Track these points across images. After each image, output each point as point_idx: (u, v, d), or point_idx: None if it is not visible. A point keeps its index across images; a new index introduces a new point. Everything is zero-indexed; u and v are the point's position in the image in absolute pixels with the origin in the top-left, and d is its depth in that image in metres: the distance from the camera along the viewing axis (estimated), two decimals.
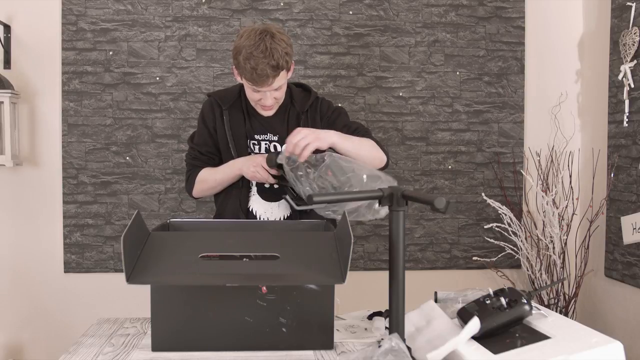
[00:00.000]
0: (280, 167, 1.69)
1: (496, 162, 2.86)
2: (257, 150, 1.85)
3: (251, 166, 1.74)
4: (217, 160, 1.88)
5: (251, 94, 1.76)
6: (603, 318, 2.71)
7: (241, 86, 1.87)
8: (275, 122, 1.84)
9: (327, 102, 1.92)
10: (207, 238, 1.35)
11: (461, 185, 2.85)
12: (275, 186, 1.83)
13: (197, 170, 1.90)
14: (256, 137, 1.85)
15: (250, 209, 1.85)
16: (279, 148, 1.84)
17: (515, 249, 2.76)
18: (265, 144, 1.85)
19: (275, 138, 1.84)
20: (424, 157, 2.83)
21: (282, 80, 1.72)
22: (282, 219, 1.85)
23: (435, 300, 1.35)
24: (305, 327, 1.23)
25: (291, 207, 1.85)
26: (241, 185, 1.84)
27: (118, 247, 2.69)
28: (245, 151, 1.83)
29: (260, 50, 1.63)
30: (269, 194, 1.85)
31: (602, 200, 2.65)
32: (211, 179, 1.87)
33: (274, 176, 1.73)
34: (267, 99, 1.74)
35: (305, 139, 1.61)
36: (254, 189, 1.86)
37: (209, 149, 1.88)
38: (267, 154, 1.73)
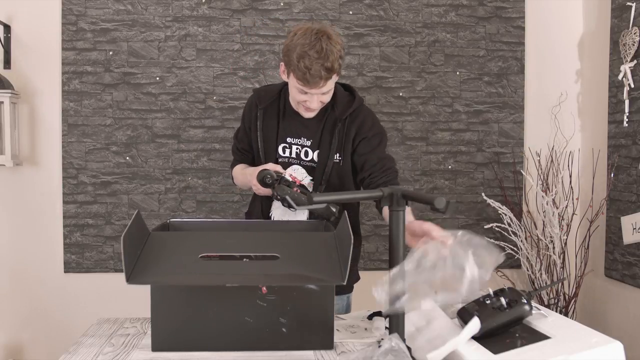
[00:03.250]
0: (268, 186, 1.63)
1: (496, 162, 2.86)
2: (287, 154, 1.78)
3: (252, 184, 1.69)
4: (251, 157, 1.86)
5: (297, 95, 1.67)
6: (603, 318, 2.71)
7: (283, 85, 1.80)
8: (311, 125, 1.75)
9: (371, 119, 1.80)
10: (207, 238, 1.35)
11: (461, 185, 2.85)
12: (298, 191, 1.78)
13: (235, 164, 1.91)
14: (288, 140, 1.77)
15: (271, 216, 1.80)
16: (310, 154, 1.76)
17: (515, 249, 2.76)
18: (297, 148, 1.76)
19: (309, 143, 1.75)
20: (424, 157, 2.83)
21: (332, 84, 1.65)
22: None
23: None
24: (305, 327, 1.23)
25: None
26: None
27: (118, 247, 2.69)
28: (273, 155, 1.77)
29: (315, 50, 1.56)
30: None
31: (602, 200, 2.65)
32: (239, 178, 1.88)
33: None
34: (314, 101, 1.65)
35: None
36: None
37: (244, 146, 1.86)
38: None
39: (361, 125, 1.76)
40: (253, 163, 1.85)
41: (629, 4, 2.46)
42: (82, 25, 2.67)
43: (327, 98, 1.69)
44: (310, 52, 1.56)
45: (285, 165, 1.76)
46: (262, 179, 1.62)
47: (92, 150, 2.69)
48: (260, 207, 1.82)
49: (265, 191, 1.67)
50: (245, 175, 1.80)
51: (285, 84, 1.79)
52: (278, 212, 1.80)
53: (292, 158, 1.78)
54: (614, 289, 2.62)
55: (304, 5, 2.75)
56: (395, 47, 2.80)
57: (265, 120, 1.78)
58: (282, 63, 1.68)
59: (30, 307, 2.70)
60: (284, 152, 1.77)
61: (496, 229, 2.75)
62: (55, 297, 2.70)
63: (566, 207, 2.70)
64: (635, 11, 2.43)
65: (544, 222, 2.72)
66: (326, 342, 1.24)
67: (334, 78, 1.64)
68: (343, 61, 1.65)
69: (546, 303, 2.69)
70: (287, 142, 1.77)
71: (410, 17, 2.80)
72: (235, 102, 2.72)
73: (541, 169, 2.81)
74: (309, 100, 1.66)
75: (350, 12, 2.77)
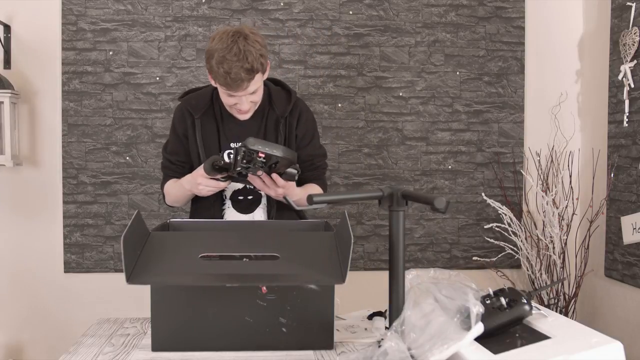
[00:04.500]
0: (222, 169, 1.59)
1: (496, 162, 2.86)
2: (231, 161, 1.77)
3: (196, 185, 1.65)
4: (188, 168, 1.80)
5: (226, 99, 1.67)
6: (603, 318, 2.71)
7: (214, 89, 1.79)
8: (252, 127, 1.75)
9: (307, 114, 1.82)
10: (207, 238, 1.35)
11: (461, 185, 2.85)
12: (250, 197, 1.77)
13: (166, 180, 1.85)
14: (232, 145, 1.75)
15: (224, 217, 1.78)
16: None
17: (515, 249, 2.76)
18: (243, 151, 1.78)
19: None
20: (424, 157, 2.83)
21: (257, 83, 1.63)
22: None
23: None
24: (305, 327, 1.23)
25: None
26: (214, 198, 1.76)
27: (118, 247, 2.69)
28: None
29: (233, 53, 1.55)
30: (243, 206, 1.78)
31: (602, 200, 2.65)
32: (172, 193, 1.83)
33: (227, 177, 1.63)
34: (243, 103, 1.65)
35: (284, 194, 1.62)
36: (228, 201, 1.79)
37: (180, 158, 1.81)
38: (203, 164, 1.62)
39: (303, 126, 1.79)
40: (184, 175, 1.79)
41: (629, 4, 2.46)
42: (82, 25, 2.67)
43: (257, 97, 1.68)
44: (228, 56, 1.55)
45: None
46: (212, 164, 1.56)
47: (92, 150, 2.69)
48: (211, 215, 1.77)
49: (216, 184, 1.62)
50: (182, 184, 1.74)
51: (214, 89, 1.78)
52: (231, 218, 1.77)
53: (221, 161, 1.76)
54: (614, 289, 2.62)
55: (304, 5, 2.75)
56: (395, 47, 2.80)
57: (204, 129, 1.76)
58: (207, 68, 1.67)
59: (30, 307, 2.70)
60: (229, 158, 1.74)
61: (496, 229, 2.75)
62: (55, 297, 2.70)
63: (566, 207, 2.70)
64: (635, 11, 2.43)
65: (544, 222, 2.72)
66: (326, 342, 1.24)
67: (259, 77, 1.62)
68: (265, 59, 1.63)
69: (546, 303, 2.69)
70: (231, 148, 1.75)
71: (410, 17, 2.80)
72: None
73: (541, 169, 2.81)
74: (239, 102, 1.65)
75: (350, 12, 2.77)
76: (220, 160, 1.60)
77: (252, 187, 1.72)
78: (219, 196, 1.77)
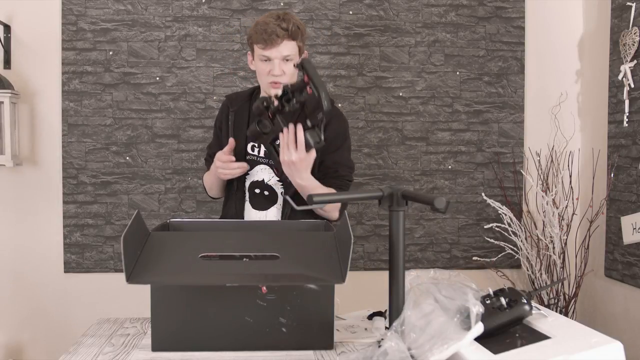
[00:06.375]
0: (260, 132, 1.65)
1: (496, 162, 2.86)
2: (255, 152, 1.83)
3: (218, 168, 1.73)
4: None
5: (261, 66, 1.74)
6: (603, 318, 2.71)
7: (254, 89, 1.89)
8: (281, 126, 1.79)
9: (339, 121, 1.84)
10: (207, 238, 1.35)
11: (461, 185, 2.85)
12: (266, 193, 1.81)
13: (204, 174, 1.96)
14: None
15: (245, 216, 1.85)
16: None
17: (515, 249, 2.76)
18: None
19: (277, 142, 1.78)
20: (424, 157, 2.83)
21: (292, 49, 1.72)
22: None
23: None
24: (305, 327, 1.23)
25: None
26: (236, 191, 1.84)
27: (118, 247, 2.69)
28: (242, 153, 1.81)
29: (274, 17, 1.72)
30: (259, 202, 1.82)
31: (602, 200, 2.65)
32: (207, 181, 1.93)
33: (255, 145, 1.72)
34: (276, 67, 1.72)
35: (293, 167, 1.62)
36: (247, 194, 1.84)
37: (214, 151, 1.86)
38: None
39: (329, 123, 1.76)
40: None
41: (629, 4, 2.46)
42: (82, 25, 2.67)
43: (289, 68, 1.74)
44: (268, 19, 1.72)
45: (253, 163, 1.82)
46: (261, 105, 1.62)
47: (92, 150, 2.69)
48: (234, 210, 1.84)
49: (240, 165, 1.71)
50: (211, 171, 1.83)
51: (255, 89, 1.87)
52: (249, 216, 1.83)
53: (260, 157, 1.83)
54: (614, 289, 2.62)
55: (304, 5, 2.75)
56: (395, 47, 2.80)
57: (236, 121, 1.85)
58: (248, 53, 1.81)
59: (30, 307, 2.70)
60: (252, 150, 1.83)
61: (496, 229, 2.75)
62: (55, 297, 2.70)
63: (566, 207, 2.70)
64: (635, 11, 2.43)
65: (544, 222, 2.72)
66: (326, 342, 1.24)
67: (294, 45, 1.73)
68: (303, 35, 1.76)
69: (546, 303, 2.69)
70: (255, 142, 1.83)
71: (410, 17, 2.80)
72: None
73: (541, 169, 2.81)
74: (272, 68, 1.72)
75: (350, 12, 2.77)
76: (266, 102, 1.62)
77: (273, 164, 1.76)
78: (241, 190, 1.83)
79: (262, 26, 1.70)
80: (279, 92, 1.66)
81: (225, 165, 1.73)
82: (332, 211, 1.77)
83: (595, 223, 2.69)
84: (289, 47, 1.72)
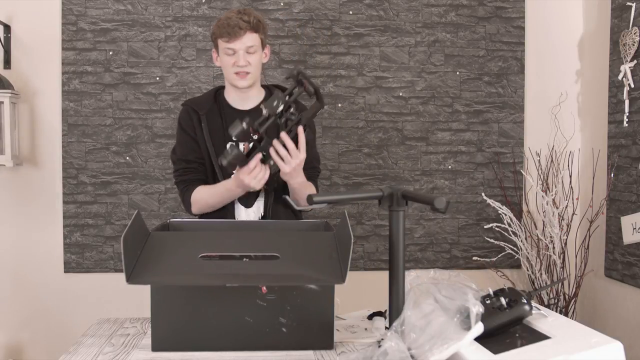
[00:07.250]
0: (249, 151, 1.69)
1: (496, 162, 2.86)
2: None
3: (252, 179, 1.67)
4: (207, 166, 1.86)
5: (226, 60, 1.79)
6: (603, 318, 2.71)
7: (216, 90, 1.92)
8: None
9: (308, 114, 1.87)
10: (207, 238, 1.35)
11: (461, 185, 2.85)
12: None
13: (191, 188, 1.85)
14: (234, 138, 1.80)
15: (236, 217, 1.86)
16: None
17: (515, 249, 2.76)
18: (244, 144, 1.83)
19: (255, 136, 1.77)
20: (424, 157, 2.83)
21: (254, 41, 1.78)
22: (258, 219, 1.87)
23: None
24: (305, 327, 1.23)
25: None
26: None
27: (118, 247, 2.69)
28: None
29: (235, 12, 1.79)
30: (246, 198, 1.84)
31: (602, 200, 2.65)
32: (209, 200, 1.83)
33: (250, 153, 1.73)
34: (241, 58, 1.77)
35: (294, 172, 1.68)
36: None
37: (197, 155, 1.84)
38: (235, 159, 1.66)
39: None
40: (205, 174, 1.85)
41: (629, 4, 2.46)
42: (82, 25, 2.67)
43: (253, 59, 1.80)
44: (230, 14, 1.79)
45: None
46: (232, 157, 1.62)
47: (92, 150, 2.69)
48: (225, 214, 1.85)
49: (263, 173, 1.70)
50: (229, 189, 1.78)
51: (218, 89, 1.92)
52: (240, 209, 1.84)
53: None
54: (614, 289, 2.63)
55: (304, 5, 2.75)
56: (395, 47, 2.80)
57: (210, 125, 1.85)
58: (213, 50, 1.86)
59: (30, 307, 2.70)
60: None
61: (496, 229, 2.75)
62: (55, 297, 2.70)
63: (566, 207, 2.70)
64: (635, 11, 2.43)
65: (544, 222, 2.72)
66: (326, 342, 1.24)
67: (256, 37, 1.79)
68: (264, 28, 1.83)
69: (546, 303, 2.69)
70: (234, 141, 1.82)
71: (410, 17, 2.80)
72: None
73: (541, 169, 2.81)
74: (237, 59, 1.77)
75: (350, 12, 2.77)
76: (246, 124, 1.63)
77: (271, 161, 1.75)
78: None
79: (225, 21, 1.77)
80: (245, 83, 1.79)
81: (255, 175, 1.68)
82: (302, 199, 1.83)
83: (595, 223, 2.69)
84: (251, 39, 1.78)
